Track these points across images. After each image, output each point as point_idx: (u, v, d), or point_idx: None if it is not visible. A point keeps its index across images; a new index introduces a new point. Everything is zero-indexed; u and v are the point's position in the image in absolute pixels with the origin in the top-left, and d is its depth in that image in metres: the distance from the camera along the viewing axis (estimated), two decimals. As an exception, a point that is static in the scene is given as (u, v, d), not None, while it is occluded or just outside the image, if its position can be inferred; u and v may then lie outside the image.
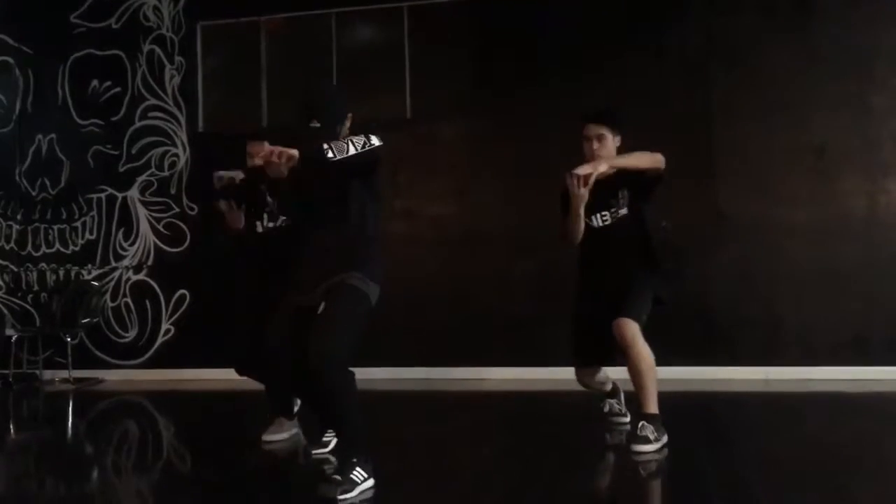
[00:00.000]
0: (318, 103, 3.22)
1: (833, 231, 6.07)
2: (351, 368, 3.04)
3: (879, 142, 6.09)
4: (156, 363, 7.24)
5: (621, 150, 3.94)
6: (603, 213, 3.91)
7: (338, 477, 2.97)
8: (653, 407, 3.68)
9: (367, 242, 3.20)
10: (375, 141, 3.02)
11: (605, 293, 3.84)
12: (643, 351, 3.66)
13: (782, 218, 6.14)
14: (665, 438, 3.66)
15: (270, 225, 4.19)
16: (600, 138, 3.91)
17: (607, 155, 3.86)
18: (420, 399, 5.82)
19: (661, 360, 5.83)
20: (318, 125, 3.11)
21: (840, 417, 4.70)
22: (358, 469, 2.98)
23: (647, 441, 3.57)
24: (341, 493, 2.92)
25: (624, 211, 3.89)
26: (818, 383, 5.75)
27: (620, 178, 3.83)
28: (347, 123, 3.26)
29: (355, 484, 2.95)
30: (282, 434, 4.11)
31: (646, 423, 3.62)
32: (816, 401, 5.30)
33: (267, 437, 4.09)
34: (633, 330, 3.67)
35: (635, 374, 3.69)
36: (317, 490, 2.95)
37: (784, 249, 6.13)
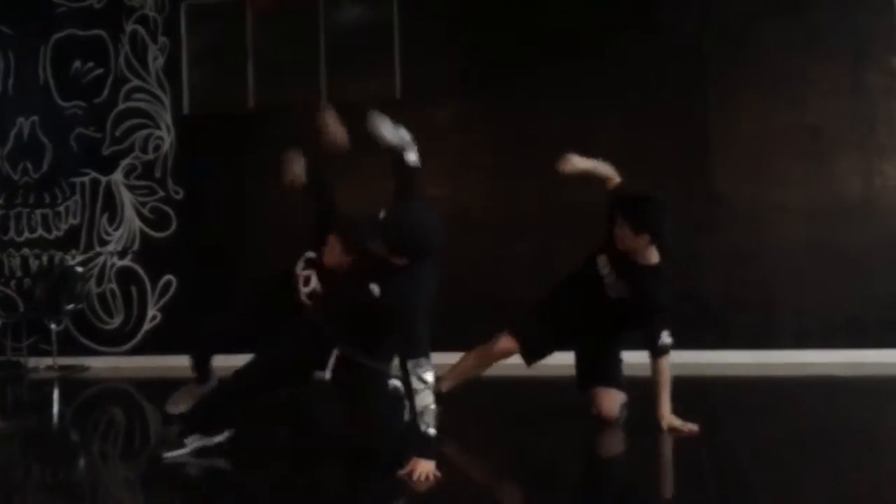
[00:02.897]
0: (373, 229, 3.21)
1: (828, 213, 6.05)
2: None
3: (875, 123, 6.07)
4: (142, 350, 7.15)
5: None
6: (619, 287, 3.84)
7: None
8: None
9: None
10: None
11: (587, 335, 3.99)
12: None
13: (777, 199, 6.12)
14: None
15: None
16: (634, 241, 3.71)
17: (644, 253, 3.75)
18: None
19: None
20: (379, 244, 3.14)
21: (835, 400, 4.69)
22: None
23: None
24: None
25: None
26: (813, 366, 5.74)
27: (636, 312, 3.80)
28: None
29: None
30: None
31: None
32: (811, 384, 5.29)
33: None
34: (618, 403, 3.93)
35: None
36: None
37: (778, 231, 6.11)
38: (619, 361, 4.04)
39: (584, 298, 3.90)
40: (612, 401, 3.91)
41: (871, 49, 6.06)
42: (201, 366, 4.27)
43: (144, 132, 7.24)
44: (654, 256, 3.78)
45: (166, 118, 7.21)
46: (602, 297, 3.85)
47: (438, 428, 3.03)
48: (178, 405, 4.17)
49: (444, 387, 3.93)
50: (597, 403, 3.94)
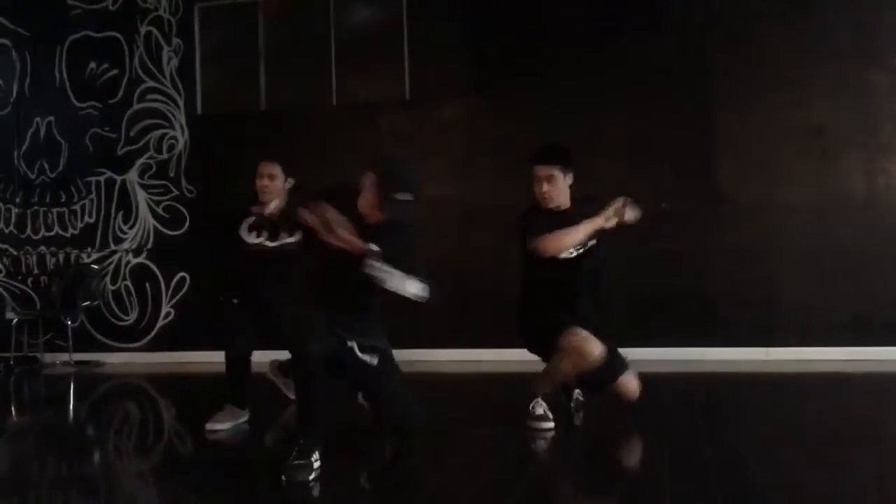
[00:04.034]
0: (413, 178, 3.43)
1: (832, 211, 6.06)
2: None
3: (879, 122, 6.07)
4: (156, 346, 7.26)
5: (574, 189, 4.00)
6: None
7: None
8: None
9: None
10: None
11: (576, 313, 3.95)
12: None
13: (781, 198, 6.12)
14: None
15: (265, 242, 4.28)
16: (550, 179, 3.94)
17: (559, 194, 3.96)
18: (415, 381, 5.80)
19: (660, 342, 5.88)
20: (410, 198, 3.32)
21: (838, 397, 4.70)
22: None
23: None
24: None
25: (593, 241, 3.96)
26: (816, 364, 5.76)
27: None
28: None
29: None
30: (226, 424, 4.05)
31: None
32: (815, 381, 5.30)
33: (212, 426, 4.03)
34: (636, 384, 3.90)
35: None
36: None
37: (783, 230, 6.13)
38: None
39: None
40: (631, 383, 3.91)
41: (875, 47, 6.07)
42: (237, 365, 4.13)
43: (159, 132, 7.35)
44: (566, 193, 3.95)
45: (180, 118, 7.32)
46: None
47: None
48: (223, 423, 4.04)
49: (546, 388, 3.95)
50: (617, 390, 3.94)
